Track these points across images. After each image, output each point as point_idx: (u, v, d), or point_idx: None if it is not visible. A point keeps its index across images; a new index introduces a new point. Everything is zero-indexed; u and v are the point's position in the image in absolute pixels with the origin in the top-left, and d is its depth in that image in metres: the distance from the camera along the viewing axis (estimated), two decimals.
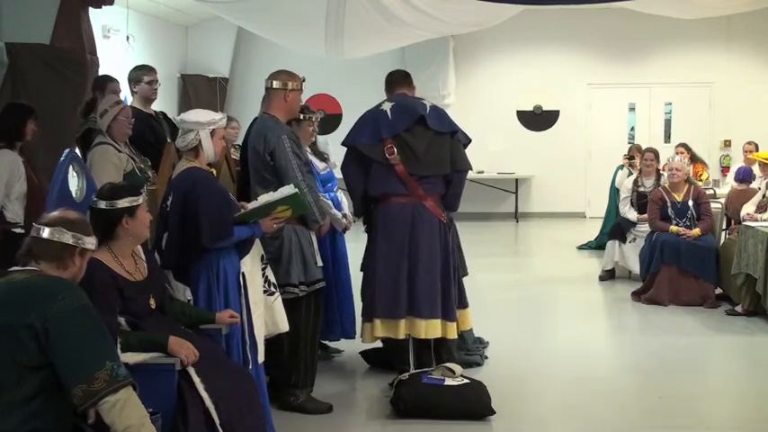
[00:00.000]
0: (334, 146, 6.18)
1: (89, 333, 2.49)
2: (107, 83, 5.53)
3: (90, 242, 2.74)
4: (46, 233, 2.64)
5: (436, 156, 4.80)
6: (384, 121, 4.78)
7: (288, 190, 3.84)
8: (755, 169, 8.46)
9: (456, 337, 4.95)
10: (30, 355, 2.44)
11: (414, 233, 4.76)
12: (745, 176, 8.30)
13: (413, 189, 4.77)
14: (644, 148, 8.85)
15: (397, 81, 5.03)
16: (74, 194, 3.77)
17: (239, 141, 5.82)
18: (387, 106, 4.84)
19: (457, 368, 4.53)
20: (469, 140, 5.02)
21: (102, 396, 2.44)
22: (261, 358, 3.88)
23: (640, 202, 7.90)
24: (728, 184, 9.49)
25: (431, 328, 4.75)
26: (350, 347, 5.49)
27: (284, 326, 4.10)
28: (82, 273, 2.78)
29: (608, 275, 8.21)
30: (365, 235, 5.04)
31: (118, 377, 2.48)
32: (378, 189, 4.81)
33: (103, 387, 2.44)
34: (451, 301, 4.84)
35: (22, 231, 4.72)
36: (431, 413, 4.31)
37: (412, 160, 4.75)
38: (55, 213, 2.73)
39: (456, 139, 4.88)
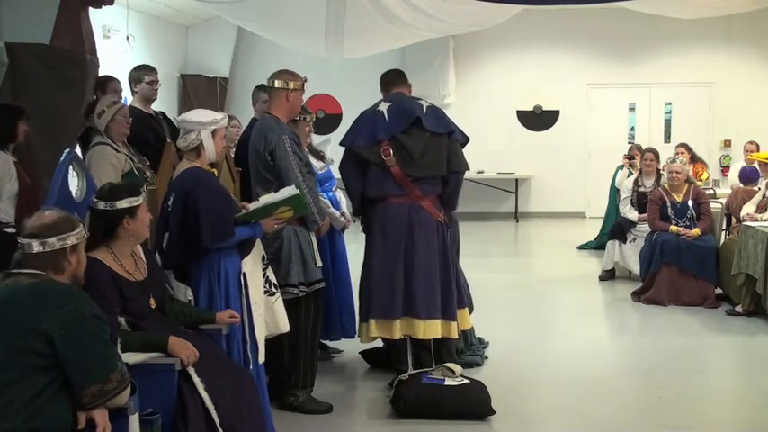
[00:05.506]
0: (334, 145, 6.17)
1: (104, 339, 2.62)
2: (108, 82, 5.54)
3: (77, 235, 2.73)
4: (33, 248, 2.65)
5: (432, 157, 4.77)
6: (381, 123, 4.76)
7: (290, 191, 3.85)
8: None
9: (457, 336, 4.94)
10: (40, 357, 2.50)
11: (411, 234, 4.75)
12: (751, 176, 8.29)
13: (409, 190, 4.76)
14: (644, 148, 8.86)
15: (393, 80, 5.00)
16: (74, 194, 3.76)
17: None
18: (383, 107, 4.82)
19: (457, 368, 4.53)
20: (467, 140, 4.99)
21: (115, 394, 2.61)
22: (261, 358, 3.89)
23: (640, 202, 7.90)
24: (729, 184, 9.48)
25: (429, 329, 4.74)
26: (350, 347, 5.50)
27: (285, 326, 4.10)
28: (83, 263, 2.81)
29: (608, 275, 8.21)
30: (364, 235, 5.03)
31: (125, 376, 2.65)
32: (375, 191, 4.81)
33: (115, 386, 2.60)
34: (452, 300, 4.82)
35: (14, 231, 4.72)
36: (431, 413, 4.31)
37: (408, 162, 4.73)
38: (33, 222, 2.71)
39: (453, 140, 4.85)
